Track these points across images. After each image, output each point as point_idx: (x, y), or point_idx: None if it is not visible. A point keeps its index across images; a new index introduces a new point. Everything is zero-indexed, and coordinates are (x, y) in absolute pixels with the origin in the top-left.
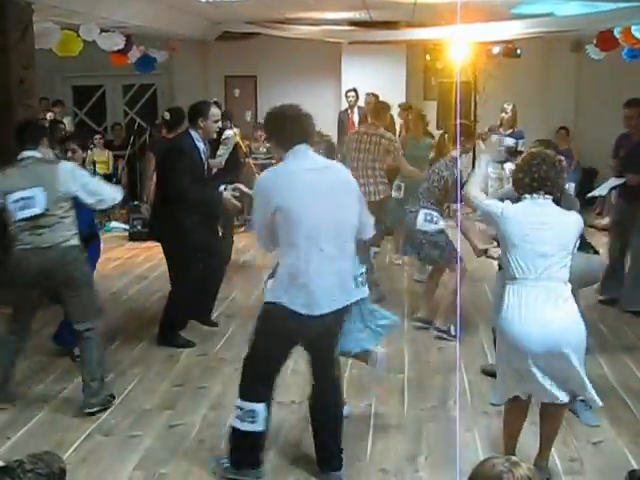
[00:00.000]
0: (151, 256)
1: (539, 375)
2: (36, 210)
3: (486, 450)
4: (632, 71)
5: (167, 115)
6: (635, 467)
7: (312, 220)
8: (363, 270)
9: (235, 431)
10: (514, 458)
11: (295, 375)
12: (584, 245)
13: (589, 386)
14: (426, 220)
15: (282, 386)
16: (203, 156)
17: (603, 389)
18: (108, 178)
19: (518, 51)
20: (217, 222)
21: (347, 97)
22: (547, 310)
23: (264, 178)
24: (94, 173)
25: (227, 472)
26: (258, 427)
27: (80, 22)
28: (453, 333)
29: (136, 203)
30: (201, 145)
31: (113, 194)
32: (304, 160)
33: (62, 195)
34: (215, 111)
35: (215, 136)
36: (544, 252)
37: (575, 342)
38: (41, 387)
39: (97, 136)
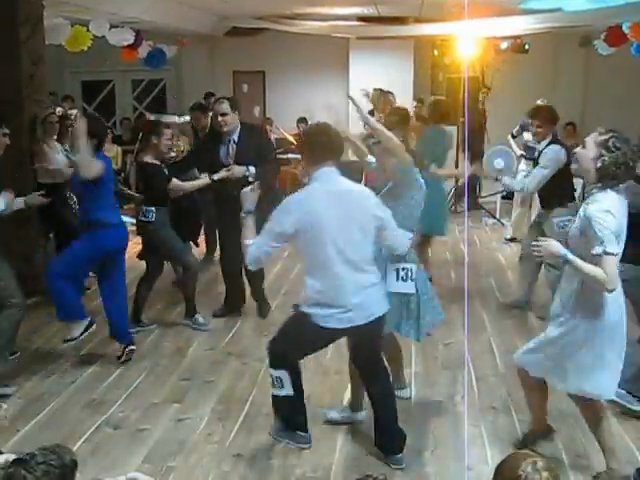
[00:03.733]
0: None
1: None
2: None
3: (493, 445)
4: None
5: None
6: None
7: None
8: (408, 266)
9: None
10: (540, 463)
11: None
12: None
13: None
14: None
15: None
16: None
17: None
18: (117, 173)
19: (526, 46)
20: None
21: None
22: None
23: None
24: None
25: (278, 434)
26: (286, 391)
27: (90, 17)
28: None
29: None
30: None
31: None
32: (327, 183)
33: None
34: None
35: (169, 154)
36: None
37: None
38: (50, 380)
39: None
